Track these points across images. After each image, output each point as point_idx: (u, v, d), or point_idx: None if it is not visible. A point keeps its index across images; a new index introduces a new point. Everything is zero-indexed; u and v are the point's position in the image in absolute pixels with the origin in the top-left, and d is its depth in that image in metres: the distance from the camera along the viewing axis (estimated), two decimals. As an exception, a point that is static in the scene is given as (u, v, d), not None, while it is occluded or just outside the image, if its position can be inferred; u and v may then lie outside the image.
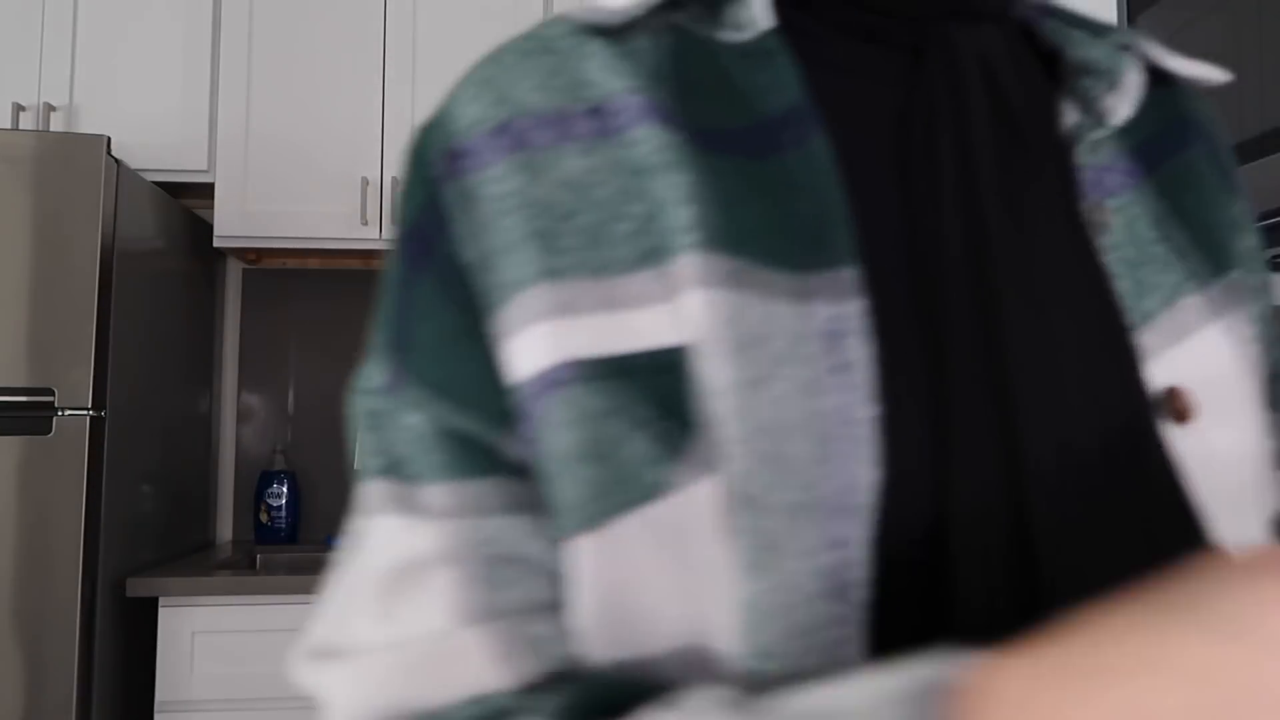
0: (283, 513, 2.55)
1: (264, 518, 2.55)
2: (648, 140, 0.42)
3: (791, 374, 0.38)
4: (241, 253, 2.59)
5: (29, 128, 2.32)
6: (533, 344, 0.40)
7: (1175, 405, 0.41)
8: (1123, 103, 0.47)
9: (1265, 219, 1.15)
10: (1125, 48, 0.48)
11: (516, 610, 0.40)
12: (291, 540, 2.56)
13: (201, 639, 2.03)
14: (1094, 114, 0.47)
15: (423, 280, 0.43)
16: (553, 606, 0.40)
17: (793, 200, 0.41)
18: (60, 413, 1.90)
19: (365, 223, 2.41)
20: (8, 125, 2.31)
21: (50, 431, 1.89)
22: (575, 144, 0.43)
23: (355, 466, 0.46)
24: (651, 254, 0.41)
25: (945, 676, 0.28)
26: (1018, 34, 0.49)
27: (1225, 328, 0.45)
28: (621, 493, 0.39)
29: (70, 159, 1.94)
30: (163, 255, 2.29)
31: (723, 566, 0.37)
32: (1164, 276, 0.45)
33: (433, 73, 2.47)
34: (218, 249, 2.47)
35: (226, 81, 2.41)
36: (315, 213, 2.41)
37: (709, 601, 0.37)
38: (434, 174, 0.44)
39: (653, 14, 0.46)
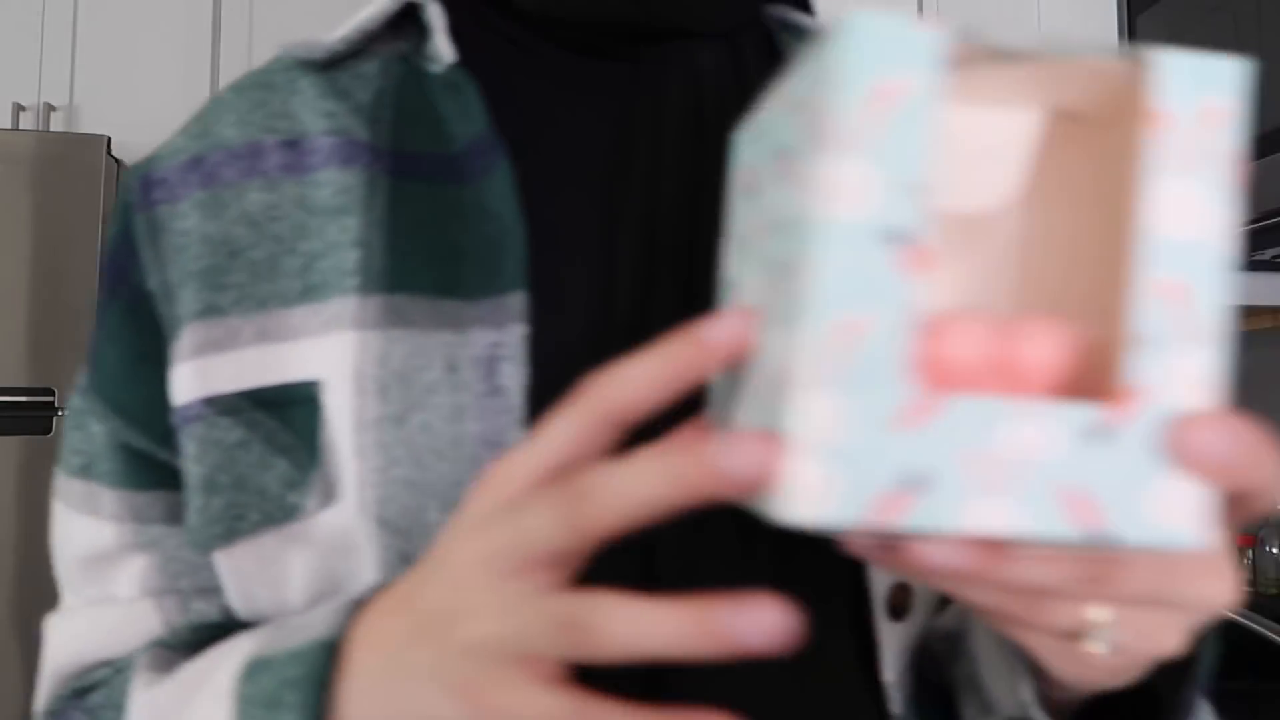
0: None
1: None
2: (330, 183, 0.45)
3: (442, 402, 0.41)
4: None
5: (29, 128, 2.32)
6: (181, 379, 0.44)
7: None
8: None
9: (1265, 219, 1.15)
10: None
11: (185, 590, 0.47)
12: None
13: (202, 639, 2.03)
14: None
15: (114, 305, 0.47)
16: (216, 590, 0.47)
17: (479, 228, 0.43)
18: (61, 412, 1.90)
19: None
20: (8, 125, 2.31)
21: (51, 431, 1.89)
22: (261, 179, 0.46)
23: (60, 456, 0.52)
24: (312, 291, 0.43)
25: (361, 597, 0.36)
26: (762, 47, 0.51)
27: None
28: (259, 513, 0.43)
29: (70, 159, 1.94)
30: (163, 255, 2.29)
31: (364, 582, 0.41)
32: None
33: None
34: (218, 249, 2.47)
35: (226, 81, 2.41)
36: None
37: None
38: (130, 201, 0.47)
39: (380, 42, 0.49)
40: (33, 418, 1.89)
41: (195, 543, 0.44)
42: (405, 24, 0.49)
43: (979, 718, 0.43)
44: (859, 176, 0.24)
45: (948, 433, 0.24)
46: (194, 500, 0.44)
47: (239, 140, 0.46)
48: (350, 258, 0.43)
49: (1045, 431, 0.24)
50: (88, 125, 2.35)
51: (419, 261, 0.43)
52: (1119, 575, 0.26)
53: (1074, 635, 0.28)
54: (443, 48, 0.47)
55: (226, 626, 0.46)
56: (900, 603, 0.44)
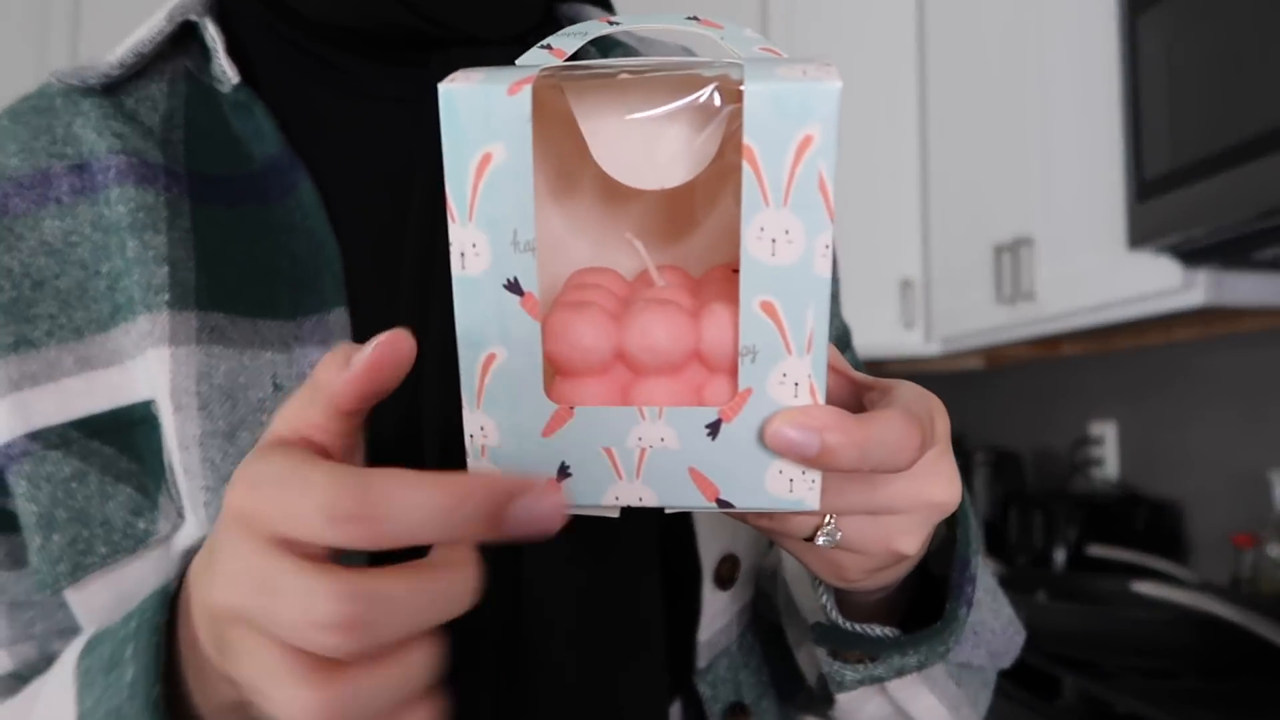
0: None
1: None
2: (124, 201, 0.43)
3: (271, 419, 0.41)
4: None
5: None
6: None
7: None
8: None
9: (1265, 218, 1.15)
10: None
11: (39, 635, 0.45)
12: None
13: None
14: None
15: None
16: (75, 629, 0.44)
17: (289, 246, 0.44)
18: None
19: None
20: (8, 126, 2.32)
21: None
22: (55, 206, 0.44)
23: None
24: (119, 311, 0.43)
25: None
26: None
27: None
28: (106, 545, 0.41)
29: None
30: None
31: None
32: None
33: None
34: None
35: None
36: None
37: None
38: None
39: (163, 60, 0.48)
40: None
41: (41, 583, 0.42)
42: (186, 39, 0.48)
43: (799, 636, 0.50)
44: (478, 241, 0.29)
45: (584, 435, 0.30)
46: (33, 540, 0.42)
47: (24, 169, 0.45)
48: (158, 274, 0.42)
49: (673, 429, 0.30)
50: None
51: (233, 283, 0.43)
52: (831, 490, 0.32)
53: (810, 537, 0.33)
54: (226, 69, 0.46)
55: None
56: (727, 574, 0.49)
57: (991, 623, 0.46)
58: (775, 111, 0.27)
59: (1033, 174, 1.76)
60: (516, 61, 0.31)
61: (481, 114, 0.28)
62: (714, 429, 0.30)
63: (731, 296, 0.30)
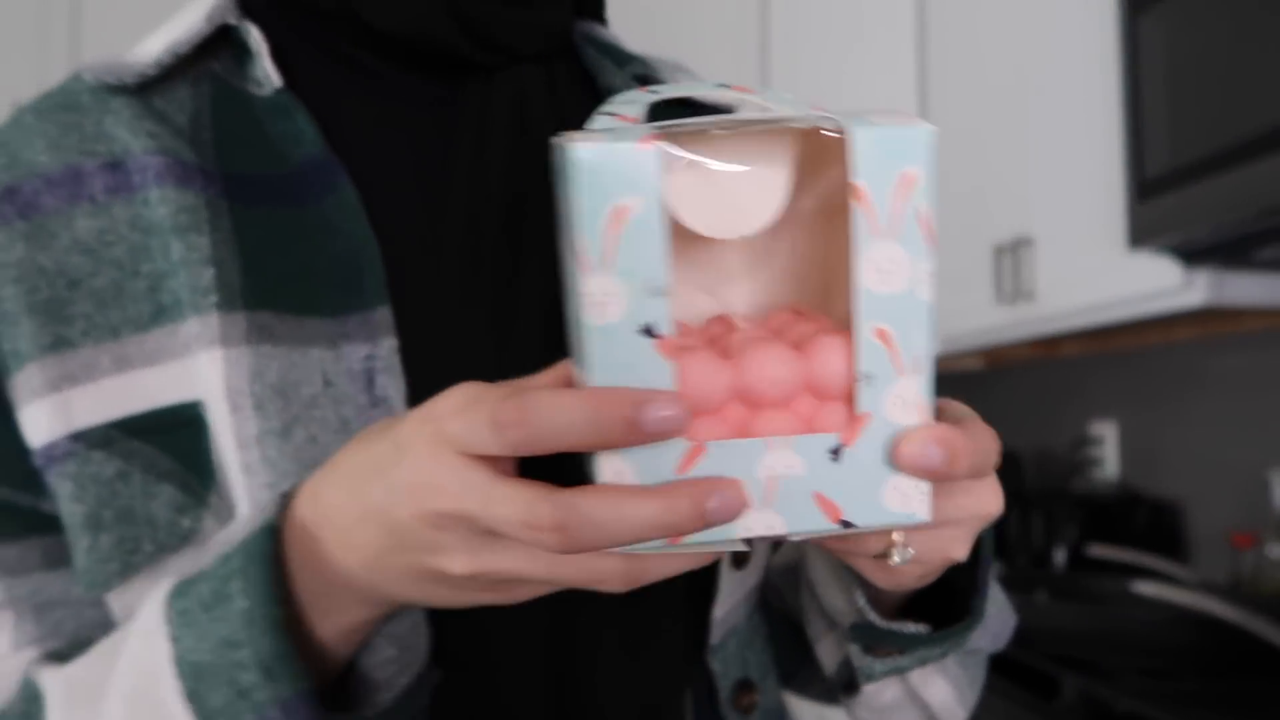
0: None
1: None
2: (165, 202, 0.43)
3: (325, 415, 0.42)
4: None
5: (29, 128, 2.32)
6: (36, 418, 0.42)
7: None
8: None
9: (1265, 218, 1.15)
10: (641, 79, 0.54)
11: (69, 635, 0.44)
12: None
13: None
14: None
15: None
16: (106, 625, 0.44)
17: (328, 246, 0.44)
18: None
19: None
20: (8, 125, 2.32)
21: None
22: (88, 204, 0.44)
23: None
24: (163, 313, 0.43)
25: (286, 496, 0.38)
26: (573, 65, 0.54)
27: None
28: (152, 544, 0.42)
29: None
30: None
31: None
32: None
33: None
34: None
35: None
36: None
37: None
38: None
39: (187, 62, 0.47)
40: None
41: (91, 584, 0.42)
42: (215, 42, 0.48)
43: (823, 630, 0.53)
44: (612, 290, 0.30)
45: (716, 469, 0.31)
46: (80, 541, 0.42)
47: (55, 166, 0.44)
48: (205, 275, 0.42)
49: (799, 456, 0.32)
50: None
51: (276, 282, 0.43)
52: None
53: (882, 555, 0.36)
54: (270, 73, 0.46)
55: None
56: (742, 555, 0.52)
57: (991, 610, 0.49)
58: (880, 152, 0.31)
59: (1033, 174, 1.76)
60: (592, 126, 0.33)
61: (613, 169, 0.30)
62: (836, 453, 0.32)
63: (824, 331, 0.33)
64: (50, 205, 0.44)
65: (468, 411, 0.31)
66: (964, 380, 2.56)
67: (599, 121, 0.34)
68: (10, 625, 0.45)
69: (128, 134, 0.45)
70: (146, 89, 0.46)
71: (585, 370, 0.31)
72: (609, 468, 0.31)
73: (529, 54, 0.50)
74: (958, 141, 2.00)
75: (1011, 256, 1.78)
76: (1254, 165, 1.15)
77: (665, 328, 0.30)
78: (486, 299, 0.46)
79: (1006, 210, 1.83)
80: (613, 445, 0.30)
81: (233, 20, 0.47)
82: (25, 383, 0.43)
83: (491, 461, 0.31)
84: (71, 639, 0.45)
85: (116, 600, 0.43)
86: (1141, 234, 1.36)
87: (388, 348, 0.43)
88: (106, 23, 2.41)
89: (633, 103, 0.36)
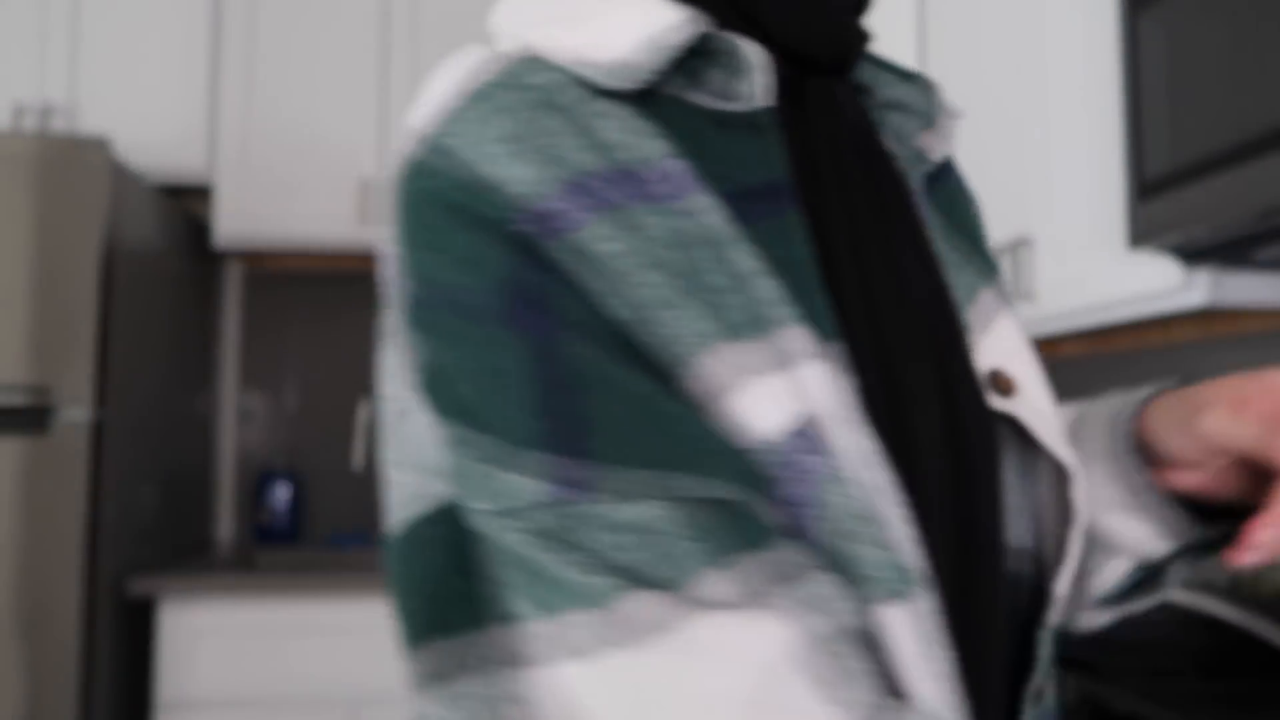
0: (283, 512, 2.55)
1: (264, 518, 2.55)
2: (708, 210, 0.40)
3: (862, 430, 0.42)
4: (241, 254, 2.59)
5: (30, 129, 2.32)
6: (763, 402, 0.38)
7: (999, 383, 0.49)
8: (941, 143, 0.54)
9: (1265, 218, 1.15)
10: (929, 89, 0.54)
11: (873, 692, 0.36)
12: (291, 540, 2.56)
13: (201, 639, 2.03)
14: (908, 148, 0.53)
15: (562, 351, 0.37)
16: (879, 673, 0.37)
17: (786, 273, 0.41)
18: (60, 413, 1.90)
19: (364, 222, 2.41)
20: (8, 126, 2.31)
21: (50, 432, 1.89)
22: (646, 204, 0.40)
23: (521, 604, 0.36)
24: (754, 324, 0.39)
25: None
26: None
27: (1011, 314, 0.53)
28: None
29: (71, 162, 1.94)
30: (162, 257, 2.29)
31: None
32: (961, 277, 0.51)
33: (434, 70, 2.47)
34: (217, 250, 2.47)
35: (227, 86, 2.41)
36: (314, 214, 2.41)
37: None
38: (523, 231, 0.38)
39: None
40: (33, 418, 1.89)
41: (869, 593, 0.37)
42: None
43: (1101, 561, 0.55)
44: None
45: None
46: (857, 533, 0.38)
47: (596, 165, 0.40)
48: (770, 286, 0.40)
49: None
50: (88, 127, 2.35)
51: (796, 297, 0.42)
52: None
53: None
54: (762, 89, 0.43)
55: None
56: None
57: None
58: None
59: (1033, 174, 1.75)
60: None
61: None
62: None
63: None
64: (616, 199, 0.40)
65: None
66: (964, 380, 2.56)
67: None
68: (811, 699, 0.35)
69: (635, 138, 0.42)
70: (618, 93, 0.43)
71: None
72: None
73: (850, 64, 0.50)
74: (957, 141, 2.00)
75: (1011, 257, 1.78)
76: (1254, 165, 1.15)
77: None
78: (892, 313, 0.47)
79: (1006, 210, 1.83)
80: None
81: (706, 28, 0.43)
82: (721, 366, 0.38)
83: None
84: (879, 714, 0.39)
85: (889, 621, 0.39)
86: (1141, 234, 1.36)
87: (852, 384, 0.41)
88: (107, 23, 2.40)
89: None
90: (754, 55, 0.43)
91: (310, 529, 2.64)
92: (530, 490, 0.36)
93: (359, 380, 2.67)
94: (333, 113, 2.44)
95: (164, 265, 2.30)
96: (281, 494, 2.56)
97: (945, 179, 0.56)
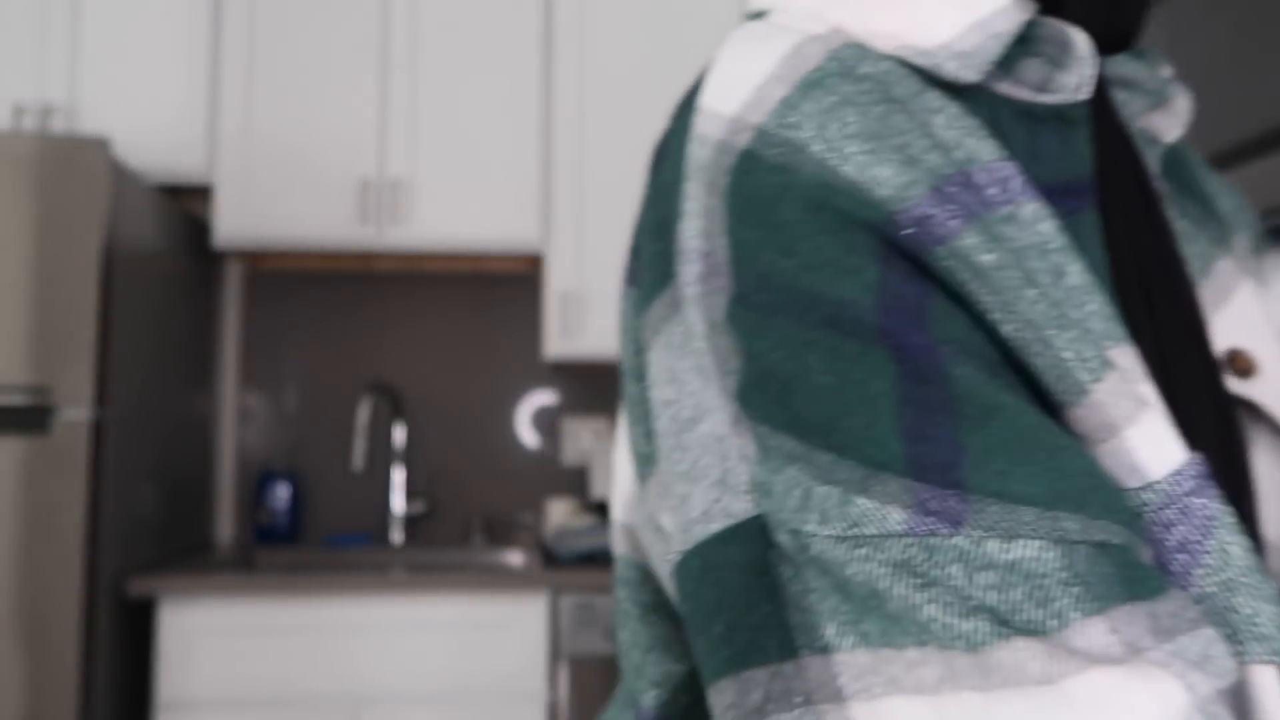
0: (283, 512, 2.56)
1: (264, 518, 2.55)
2: (1041, 218, 0.37)
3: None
4: (241, 254, 2.59)
5: (30, 129, 2.32)
6: (1153, 434, 0.35)
7: (1238, 364, 0.43)
8: (1174, 125, 0.47)
9: (1265, 218, 1.15)
10: (1156, 65, 0.48)
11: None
12: (291, 540, 2.56)
13: (201, 639, 2.03)
14: (1134, 129, 0.47)
15: (939, 371, 0.33)
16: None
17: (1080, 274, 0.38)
18: (60, 413, 1.90)
19: (364, 222, 2.41)
20: (8, 126, 2.32)
21: (50, 432, 1.89)
22: (990, 212, 0.37)
23: (847, 635, 0.32)
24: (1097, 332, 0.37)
25: None
26: None
27: (1253, 285, 0.47)
28: None
29: (71, 162, 1.94)
30: (162, 257, 2.29)
31: None
32: (1193, 247, 0.47)
33: (435, 69, 2.47)
34: (217, 250, 2.47)
35: (228, 86, 2.41)
36: (314, 214, 2.41)
37: None
38: (901, 237, 0.35)
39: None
40: (33, 418, 1.89)
41: (1252, 650, 0.34)
42: None
43: None
44: None
45: None
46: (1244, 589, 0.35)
47: (945, 167, 0.37)
48: (1103, 302, 0.37)
49: None
50: (88, 128, 2.35)
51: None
52: None
53: None
54: (1089, 82, 0.41)
55: None
56: None
57: None
58: None
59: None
60: None
61: None
62: None
63: None
64: (973, 207, 0.37)
65: None
66: (964, 380, 2.56)
67: None
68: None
69: (962, 136, 0.39)
70: (943, 83, 0.40)
71: None
72: None
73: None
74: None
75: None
76: (1254, 165, 1.15)
77: None
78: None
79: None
80: None
81: (1029, 15, 0.40)
82: (1113, 398, 0.35)
83: None
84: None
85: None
86: (1141, 234, 1.36)
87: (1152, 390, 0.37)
88: (107, 23, 2.40)
89: None
90: (1083, 45, 0.40)
91: (310, 529, 2.64)
92: (885, 517, 0.32)
93: (359, 380, 2.67)
94: (333, 113, 2.44)
95: (164, 265, 2.30)
96: (281, 494, 2.56)
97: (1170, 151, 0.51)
